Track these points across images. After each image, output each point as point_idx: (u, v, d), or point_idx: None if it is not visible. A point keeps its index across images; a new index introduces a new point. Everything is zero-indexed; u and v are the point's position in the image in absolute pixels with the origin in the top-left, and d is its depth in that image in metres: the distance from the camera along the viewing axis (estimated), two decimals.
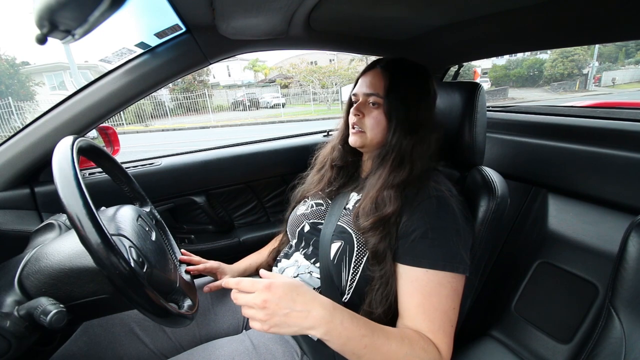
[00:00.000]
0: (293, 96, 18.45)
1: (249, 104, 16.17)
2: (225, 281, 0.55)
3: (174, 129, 12.46)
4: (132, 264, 0.51)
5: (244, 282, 0.52)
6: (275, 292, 0.50)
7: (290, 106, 17.48)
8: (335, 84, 16.08)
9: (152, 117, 14.57)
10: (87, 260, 0.50)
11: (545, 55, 19.11)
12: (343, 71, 16.18)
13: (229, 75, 23.26)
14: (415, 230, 0.61)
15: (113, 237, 0.47)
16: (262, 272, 0.58)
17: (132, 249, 0.56)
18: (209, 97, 15.70)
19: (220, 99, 17.46)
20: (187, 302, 0.61)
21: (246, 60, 22.44)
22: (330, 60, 20.13)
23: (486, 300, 0.94)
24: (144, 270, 0.55)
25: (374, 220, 0.63)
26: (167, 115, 14.98)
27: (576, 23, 0.76)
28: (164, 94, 15.80)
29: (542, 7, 0.73)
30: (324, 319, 0.50)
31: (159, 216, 0.83)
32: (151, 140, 9.86)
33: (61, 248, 0.55)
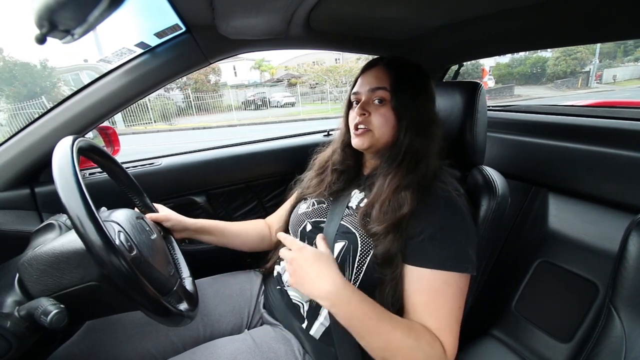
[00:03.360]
0: (301, 95, 18.65)
1: (260, 103, 16.57)
2: (283, 236, 0.66)
3: (204, 127, 12.62)
4: (117, 243, 0.52)
5: (288, 239, 0.65)
6: (302, 255, 0.59)
7: (299, 105, 17.60)
8: (348, 84, 16.27)
9: (176, 115, 14.97)
10: (76, 244, 0.50)
11: (548, 54, 19.28)
12: (358, 71, 16.36)
13: (235, 75, 23.45)
14: (424, 231, 0.61)
15: (105, 222, 0.48)
16: (280, 235, 0.67)
17: (120, 233, 0.56)
18: (220, 97, 16.09)
19: (229, 99, 17.74)
20: (183, 306, 0.61)
21: (252, 60, 22.82)
22: (336, 60, 20.26)
23: (487, 299, 0.94)
24: (132, 254, 0.55)
25: (388, 224, 0.62)
26: (193, 113, 15.28)
27: (575, 22, 0.76)
28: (177, 94, 16.19)
29: (541, 6, 0.73)
30: (330, 293, 0.54)
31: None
32: (177, 140, 9.75)
33: (58, 239, 0.55)
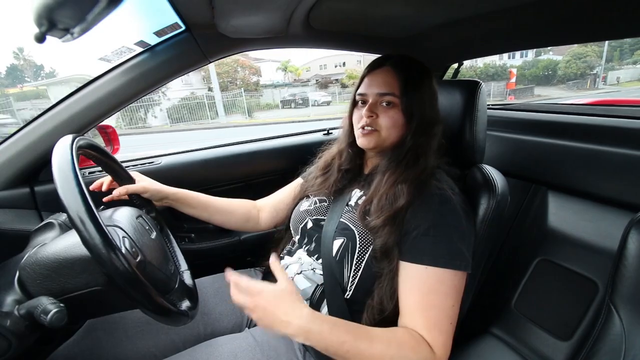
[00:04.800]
0: (332, 95, 19.65)
1: (301, 102, 17.91)
2: (228, 273, 0.61)
3: (299, 121, 13.43)
4: (124, 251, 0.51)
5: (242, 282, 0.58)
6: (263, 299, 0.56)
7: (334, 104, 18.36)
8: None
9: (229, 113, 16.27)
10: (80, 249, 0.50)
11: (559, 57, 20.42)
12: None
13: (260, 76, 24.71)
14: (417, 227, 0.61)
15: (108, 227, 0.47)
16: (271, 261, 0.62)
17: (125, 239, 0.56)
18: (261, 96, 17.81)
19: (266, 98, 19.18)
20: (186, 304, 0.61)
21: (277, 62, 24.56)
22: (358, 61, 20.61)
23: (486, 297, 0.94)
24: (137, 260, 0.55)
25: (386, 216, 0.63)
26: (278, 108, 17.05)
27: (575, 21, 0.76)
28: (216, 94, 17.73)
29: (542, 4, 0.73)
30: (301, 329, 0.54)
31: (162, 222, 0.83)
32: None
33: (59, 242, 0.55)
